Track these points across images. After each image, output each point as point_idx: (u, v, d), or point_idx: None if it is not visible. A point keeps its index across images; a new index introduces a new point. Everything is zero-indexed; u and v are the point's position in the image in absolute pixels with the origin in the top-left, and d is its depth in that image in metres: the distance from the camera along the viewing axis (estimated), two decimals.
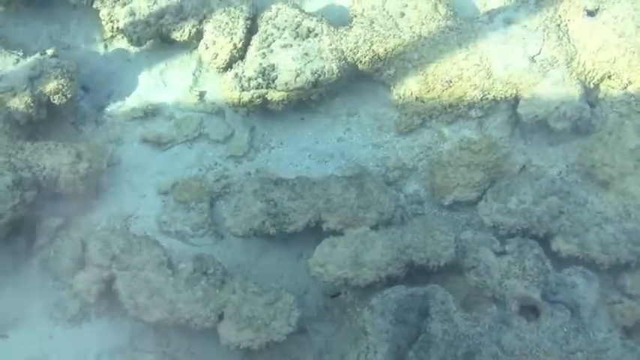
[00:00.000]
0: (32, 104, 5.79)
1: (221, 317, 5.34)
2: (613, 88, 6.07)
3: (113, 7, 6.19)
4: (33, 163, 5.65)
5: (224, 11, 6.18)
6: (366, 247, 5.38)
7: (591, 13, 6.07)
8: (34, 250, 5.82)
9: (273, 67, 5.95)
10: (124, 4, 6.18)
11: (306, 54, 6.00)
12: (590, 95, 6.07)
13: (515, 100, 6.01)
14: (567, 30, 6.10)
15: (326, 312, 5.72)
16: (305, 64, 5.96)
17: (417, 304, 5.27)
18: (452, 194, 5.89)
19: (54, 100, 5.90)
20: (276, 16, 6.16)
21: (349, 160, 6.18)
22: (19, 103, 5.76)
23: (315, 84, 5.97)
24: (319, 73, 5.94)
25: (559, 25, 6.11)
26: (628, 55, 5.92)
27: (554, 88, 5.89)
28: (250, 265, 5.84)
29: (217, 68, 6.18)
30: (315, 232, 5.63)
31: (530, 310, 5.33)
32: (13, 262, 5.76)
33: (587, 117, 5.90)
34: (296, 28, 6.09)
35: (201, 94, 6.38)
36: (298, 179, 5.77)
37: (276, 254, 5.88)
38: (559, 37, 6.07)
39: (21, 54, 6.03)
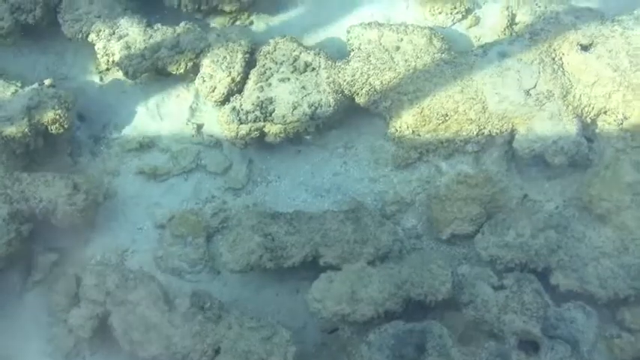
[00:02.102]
0: (29, 133, 5.81)
1: (217, 352, 5.30)
2: (609, 123, 6.09)
3: (109, 40, 6.25)
4: (29, 195, 5.64)
5: (222, 45, 6.24)
6: (363, 282, 5.37)
7: (585, 48, 6.12)
8: (29, 285, 5.81)
9: (270, 100, 5.99)
10: (120, 38, 6.24)
11: (304, 87, 6.05)
12: (587, 129, 6.09)
13: (512, 134, 6.03)
14: (562, 64, 6.14)
15: (323, 348, 5.67)
16: (302, 97, 6.00)
17: (415, 340, 5.26)
18: (449, 228, 5.87)
19: (51, 129, 5.93)
20: (275, 50, 6.22)
21: (346, 194, 6.18)
22: (16, 132, 5.77)
23: (312, 117, 6.00)
24: (316, 105, 5.99)
25: (554, 59, 6.15)
26: (622, 90, 5.96)
27: (551, 122, 5.92)
28: (247, 301, 5.81)
29: (215, 102, 6.21)
30: (312, 267, 5.62)
31: (529, 346, 5.30)
32: (7, 297, 5.73)
33: (584, 151, 5.91)
34: (293, 62, 6.14)
35: (199, 127, 6.40)
36: (295, 213, 5.78)
37: (273, 289, 5.86)
38: (554, 70, 6.11)
39: (19, 85, 6.08)
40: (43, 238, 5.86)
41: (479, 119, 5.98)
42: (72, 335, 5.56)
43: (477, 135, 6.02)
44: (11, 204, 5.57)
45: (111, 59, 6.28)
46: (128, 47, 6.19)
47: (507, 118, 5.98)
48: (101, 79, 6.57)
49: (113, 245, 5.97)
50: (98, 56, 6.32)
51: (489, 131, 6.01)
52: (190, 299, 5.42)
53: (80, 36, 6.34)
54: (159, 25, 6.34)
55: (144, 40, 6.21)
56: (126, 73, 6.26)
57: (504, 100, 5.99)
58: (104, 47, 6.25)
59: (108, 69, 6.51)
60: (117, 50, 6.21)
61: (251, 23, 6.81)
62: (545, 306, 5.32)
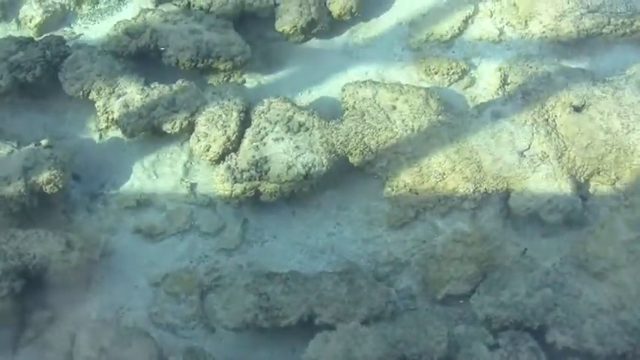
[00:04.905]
0: (25, 193, 5.97)
1: None
2: (602, 183, 6.32)
3: (109, 98, 6.48)
4: (23, 251, 5.79)
5: (217, 104, 6.46)
6: (357, 342, 5.48)
7: (578, 109, 6.39)
8: (22, 343, 5.85)
9: (265, 160, 6.18)
10: (119, 96, 6.47)
11: (297, 147, 6.25)
12: (582, 189, 6.30)
13: (507, 193, 6.23)
14: (556, 125, 6.39)
15: None
16: (296, 157, 6.20)
17: None
18: (445, 288, 6.01)
19: (46, 189, 6.08)
20: (269, 110, 6.44)
21: (339, 255, 6.31)
22: (12, 191, 5.94)
23: (306, 176, 6.18)
24: (310, 165, 6.18)
25: (547, 120, 6.41)
26: (615, 151, 6.21)
27: (546, 181, 6.14)
28: (242, 359, 5.89)
29: (210, 161, 6.39)
30: (307, 326, 5.73)
31: None
32: None
33: (579, 210, 6.12)
34: (287, 122, 6.35)
35: (192, 186, 6.57)
36: (291, 273, 5.94)
37: (269, 348, 5.93)
38: (548, 132, 6.35)
39: (15, 145, 6.27)
40: (38, 294, 5.94)
41: (474, 178, 6.20)
42: None
43: (474, 193, 6.21)
44: (5, 260, 5.71)
45: (110, 117, 6.51)
46: (126, 105, 6.41)
47: (502, 177, 6.20)
48: (100, 137, 6.76)
49: (109, 302, 6.06)
50: (98, 114, 6.55)
51: (485, 189, 6.22)
52: (184, 357, 5.52)
53: (81, 94, 6.54)
54: (156, 83, 6.57)
55: (141, 99, 6.44)
56: (124, 132, 6.45)
57: (498, 160, 6.24)
58: (104, 105, 6.48)
59: (108, 127, 6.70)
60: (116, 108, 6.43)
61: (244, 81, 7.05)
62: None
